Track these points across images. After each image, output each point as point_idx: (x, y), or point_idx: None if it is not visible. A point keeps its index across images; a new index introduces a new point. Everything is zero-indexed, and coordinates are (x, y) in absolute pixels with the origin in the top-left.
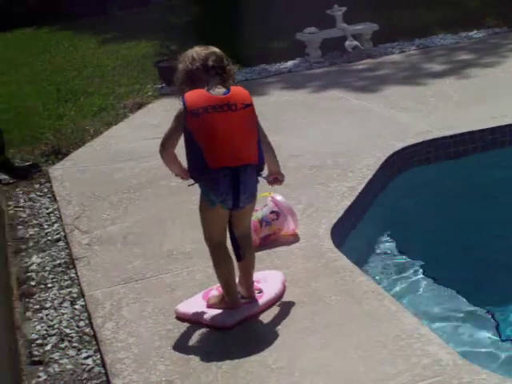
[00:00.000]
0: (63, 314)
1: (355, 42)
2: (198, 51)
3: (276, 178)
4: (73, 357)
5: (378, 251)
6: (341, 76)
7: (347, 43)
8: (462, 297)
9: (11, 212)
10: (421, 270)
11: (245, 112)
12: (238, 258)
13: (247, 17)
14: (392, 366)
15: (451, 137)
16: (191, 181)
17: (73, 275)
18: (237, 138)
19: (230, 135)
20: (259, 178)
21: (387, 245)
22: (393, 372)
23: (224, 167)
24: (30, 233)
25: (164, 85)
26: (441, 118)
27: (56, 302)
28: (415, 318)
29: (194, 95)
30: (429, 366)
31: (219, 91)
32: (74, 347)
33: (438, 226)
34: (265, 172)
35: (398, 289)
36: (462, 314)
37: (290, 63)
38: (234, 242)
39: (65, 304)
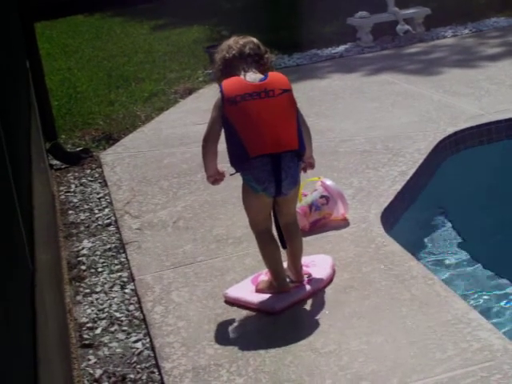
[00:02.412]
0: (113, 297)
1: (407, 27)
2: (235, 40)
3: (309, 163)
4: (122, 340)
5: (428, 236)
6: (392, 60)
7: (399, 27)
8: None
9: (62, 197)
10: (472, 255)
11: (283, 98)
12: (283, 246)
13: (298, 2)
14: (441, 351)
15: (505, 121)
16: (232, 170)
17: (123, 259)
18: (276, 125)
19: (269, 122)
20: (300, 163)
21: (438, 230)
22: (442, 357)
23: (264, 155)
24: (81, 218)
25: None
26: (493, 102)
27: (106, 286)
28: (465, 303)
29: (231, 83)
30: (479, 351)
31: (256, 77)
32: (123, 331)
33: (490, 211)
34: None
35: (448, 274)
36: None
37: (341, 48)
38: (279, 230)
39: (115, 288)
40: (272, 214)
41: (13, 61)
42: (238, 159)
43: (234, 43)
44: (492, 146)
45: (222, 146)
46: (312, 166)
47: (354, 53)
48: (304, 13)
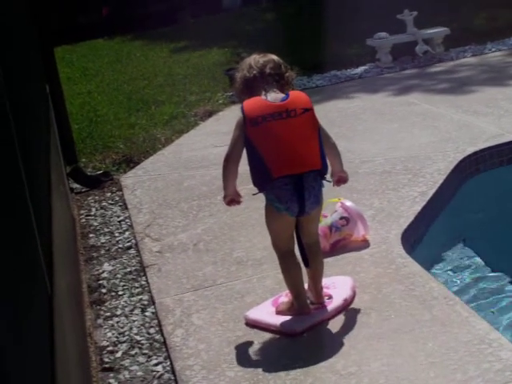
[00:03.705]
0: (134, 321)
1: (426, 47)
2: (255, 59)
3: (340, 178)
4: (143, 364)
5: (449, 256)
6: (412, 81)
7: (418, 48)
8: None
9: (83, 221)
10: (494, 275)
11: (305, 117)
12: (306, 265)
13: (318, 24)
14: (463, 372)
15: None
16: (255, 190)
17: (143, 282)
18: (298, 145)
19: (292, 142)
20: (324, 182)
21: (458, 250)
22: (464, 378)
23: (287, 175)
24: (102, 241)
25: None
26: None
27: (127, 309)
28: (487, 323)
29: (252, 103)
30: (501, 371)
31: (277, 97)
32: (144, 354)
33: (511, 231)
34: (328, 176)
35: (469, 294)
36: None
37: (360, 69)
38: (302, 249)
39: (135, 311)
40: (295, 234)
41: (32, 85)
42: (261, 179)
43: (255, 62)
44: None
45: (241, 167)
46: (344, 180)
47: (374, 73)
48: (323, 34)
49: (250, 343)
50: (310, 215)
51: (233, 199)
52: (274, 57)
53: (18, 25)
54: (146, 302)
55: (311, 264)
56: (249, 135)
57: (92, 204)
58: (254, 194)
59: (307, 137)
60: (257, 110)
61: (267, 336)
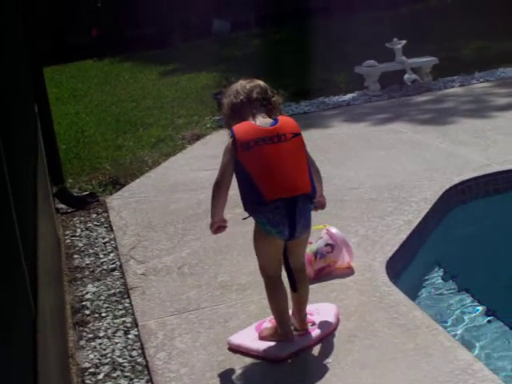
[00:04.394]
0: (116, 343)
1: (414, 76)
2: (242, 84)
3: (319, 202)
4: None
5: (433, 286)
6: (399, 109)
7: (406, 77)
8: None
9: (68, 241)
10: (478, 306)
11: (294, 141)
12: (294, 289)
13: (306, 51)
14: None
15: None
16: (245, 215)
17: (127, 305)
18: (290, 169)
19: (284, 166)
20: (311, 206)
21: (443, 279)
22: None
23: (281, 198)
24: (86, 262)
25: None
26: (500, 152)
27: (109, 331)
28: (470, 354)
29: (243, 128)
30: None
31: (266, 122)
32: (126, 377)
33: (496, 262)
34: None
35: (453, 324)
36: None
37: (348, 96)
38: (290, 272)
39: (118, 333)
40: (282, 258)
41: (21, 105)
42: (254, 203)
43: (242, 88)
44: (498, 197)
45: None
46: (323, 205)
47: (362, 101)
48: (312, 61)
49: (232, 368)
50: (299, 239)
51: (220, 226)
52: (261, 82)
53: (8, 44)
54: (129, 325)
55: (298, 289)
56: (240, 159)
57: (77, 225)
58: (244, 219)
59: (298, 161)
60: (248, 135)
61: (250, 361)
